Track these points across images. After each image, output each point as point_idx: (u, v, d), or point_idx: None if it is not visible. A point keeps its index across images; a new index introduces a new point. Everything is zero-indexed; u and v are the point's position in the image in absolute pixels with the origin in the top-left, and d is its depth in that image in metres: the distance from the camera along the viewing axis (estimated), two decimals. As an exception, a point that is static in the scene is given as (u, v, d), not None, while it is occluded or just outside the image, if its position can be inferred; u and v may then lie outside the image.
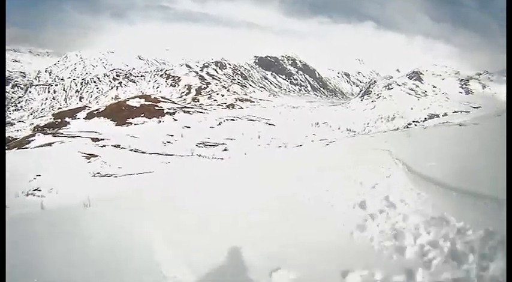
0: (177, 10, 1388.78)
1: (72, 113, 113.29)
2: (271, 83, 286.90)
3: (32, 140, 77.04)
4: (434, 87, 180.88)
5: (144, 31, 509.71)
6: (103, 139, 74.50)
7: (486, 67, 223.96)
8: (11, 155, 56.22)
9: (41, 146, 67.60)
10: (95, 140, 73.25)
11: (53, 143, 69.60)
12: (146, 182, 31.02)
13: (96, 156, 51.21)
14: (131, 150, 62.90)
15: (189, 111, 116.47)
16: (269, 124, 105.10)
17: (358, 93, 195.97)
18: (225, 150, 69.08)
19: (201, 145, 74.17)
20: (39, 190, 31.49)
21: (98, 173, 40.53)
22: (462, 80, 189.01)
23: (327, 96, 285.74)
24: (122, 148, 64.63)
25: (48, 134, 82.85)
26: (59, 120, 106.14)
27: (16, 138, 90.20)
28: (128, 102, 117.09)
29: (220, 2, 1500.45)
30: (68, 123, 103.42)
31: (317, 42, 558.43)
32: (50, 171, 38.69)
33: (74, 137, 76.82)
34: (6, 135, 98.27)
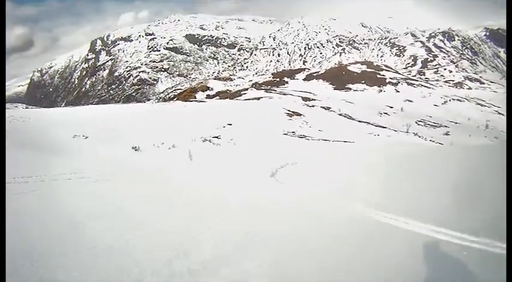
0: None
1: (292, 74, 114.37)
2: (504, 63, 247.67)
3: (244, 93, 78.04)
4: None
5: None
6: (314, 100, 70.70)
7: None
8: (213, 103, 56.77)
9: (250, 99, 66.87)
10: (305, 99, 69.76)
11: (262, 97, 68.86)
12: (338, 152, 25.60)
13: (300, 115, 46.81)
14: (340, 114, 56.80)
15: (413, 84, 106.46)
16: (499, 113, 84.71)
17: None
18: (447, 134, 57.59)
19: (420, 123, 64.13)
20: (219, 138, 28.43)
21: (293, 132, 35.37)
22: None
23: None
24: (331, 111, 59.20)
25: (262, 89, 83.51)
26: (278, 79, 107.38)
27: (230, 91, 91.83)
28: (349, 68, 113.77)
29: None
30: (286, 82, 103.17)
31: None
32: (245, 122, 35.87)
33: (285, 94, 75.15)
34: (225, 88, 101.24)
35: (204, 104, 52.97)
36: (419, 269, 5.06)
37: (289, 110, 48.95)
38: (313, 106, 62.12)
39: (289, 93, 77.52)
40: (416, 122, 63.99)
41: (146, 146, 23.43)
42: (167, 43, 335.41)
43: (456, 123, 70.07)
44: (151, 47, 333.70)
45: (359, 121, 53.87)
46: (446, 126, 64.71)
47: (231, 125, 33.58)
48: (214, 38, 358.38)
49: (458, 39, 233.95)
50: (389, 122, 59.66)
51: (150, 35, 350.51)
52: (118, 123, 30.43)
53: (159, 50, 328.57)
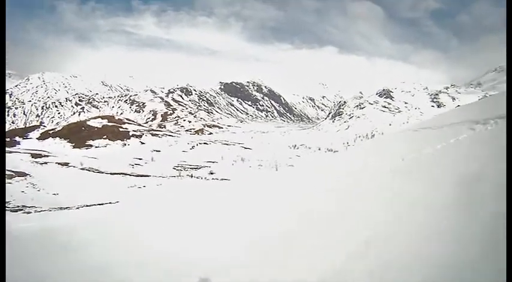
0: (141, 36, 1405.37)
1: (24, 132, 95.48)
2: (237, 110, 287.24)
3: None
4: (406, 103, 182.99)
5: (108, 57, 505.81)
6: (48, 156, 56.27)
7: (448, 82, 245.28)
8: None
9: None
10: (36, 156, 54.66)
11: (-25, 157, 50.48)
12: (108, 222, 12.45)
13: (25, 175, 31.80)
14: (83, 169, 43.52)
15: (157, 135, 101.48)
16: (245, 148, 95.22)
17: (328, 115, 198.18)
18: (211, 173, 57.83)
19: (179, 168, 60.43)
20: None
21: (9, 202, 20.31)
22: (432, 94, 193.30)
23: (293, 121, 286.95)
24: (71, 166, 45.84)
25: (-22, 148, 63.88)
26: (8, 140, 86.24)
27: None
28: (88, 123, 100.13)
29: (184, 28, 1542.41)
30: (18, 143, 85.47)
31: (281, 68, 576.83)
32: None
33: (10, 152, 58.04)
34: None
35: None
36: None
37: (9, 170, 33.89)
38: (45, 163, 49.40)
39: (16, 151, 62.38)
40: (175, 168, 60.80)
41: None
42: None
43: (214, 162, 71.42)
44: None
45: (112, 173, 43.99)
46: (207, 166, 65.23)
47: None
48: None
49: (195, 94, 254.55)
50: (148, 171, 53.92)
51: None
52: None
53: None
